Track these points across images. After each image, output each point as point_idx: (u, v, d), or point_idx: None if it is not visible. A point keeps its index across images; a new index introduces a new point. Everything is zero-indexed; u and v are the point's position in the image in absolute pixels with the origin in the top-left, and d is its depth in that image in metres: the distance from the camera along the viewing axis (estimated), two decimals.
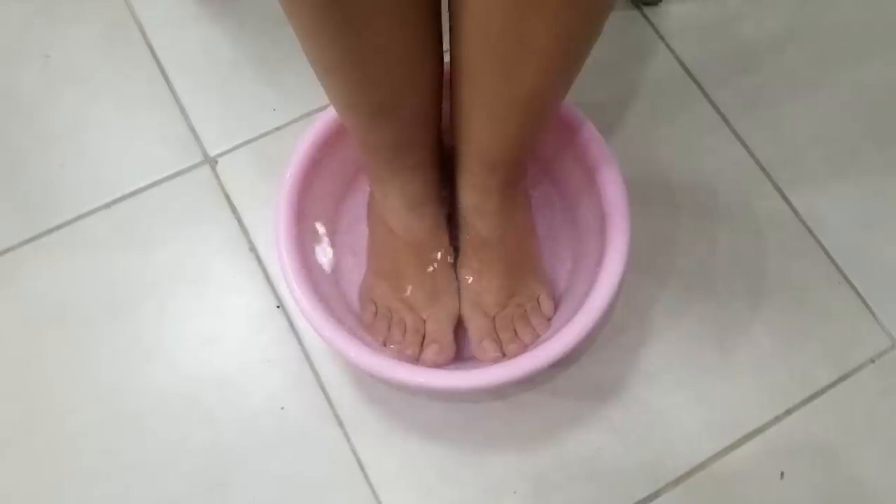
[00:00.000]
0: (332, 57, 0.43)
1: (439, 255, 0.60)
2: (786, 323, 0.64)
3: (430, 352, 0.57)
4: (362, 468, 0.60)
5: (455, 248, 0.61)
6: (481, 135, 0.50)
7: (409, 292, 0.59)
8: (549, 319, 0.59)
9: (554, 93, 0.47)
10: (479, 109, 0.47)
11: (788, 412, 0.62)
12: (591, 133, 0.59)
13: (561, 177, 0.65)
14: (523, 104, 0.45)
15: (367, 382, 0.62)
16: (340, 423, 0.61)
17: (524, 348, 0.57)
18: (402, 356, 0.57)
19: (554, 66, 0.42)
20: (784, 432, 0.61)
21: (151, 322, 0.64)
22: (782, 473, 0.60)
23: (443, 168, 0.58)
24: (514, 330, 0.58)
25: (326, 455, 0.60)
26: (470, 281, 0.60)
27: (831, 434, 0.61)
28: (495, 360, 0.57)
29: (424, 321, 0.59)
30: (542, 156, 0.64)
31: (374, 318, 0.59)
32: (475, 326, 0.59)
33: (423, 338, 0.58)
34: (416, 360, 0.57)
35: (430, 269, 0.60)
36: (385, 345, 0.58)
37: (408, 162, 0.54)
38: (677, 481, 0.60)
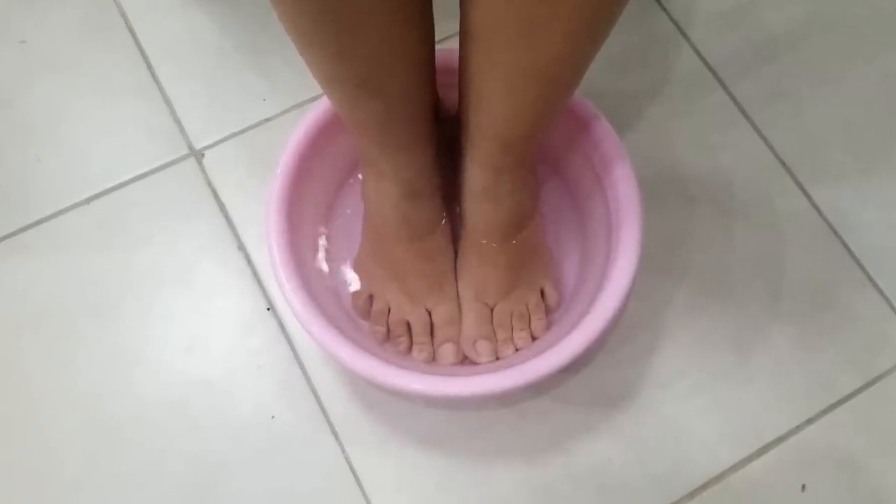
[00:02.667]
0: (309, 27, 0.42)
1: (440, 242, 0.60)
2: (807, 326, 0.64)
3: (446, 353, 0.57)
4: (357, 479, 0.59)
5: (454, 239, 0.61)
6: (495, 108, 0.48)
7: (409, 284, 0.59)
8: (555, 308, 0.60)
9: (579, 61, 0.45)
10: (494, 81, 0.45)
11: (810, 421, 0.62)
12: (603, 127, 0.58)
13: (571, 172, 0.65)
14: (545, 73, 0.44)
15: (363, 388, 0.62)
16: (334, 432, 0.61)
17: (517, 353, 0.58)
18: (414, 358, 0.58)
19: (581, 28, 0.40)
20: (805, 442, 0.61)
21: (134, 325, 0.64)
22: (804, 486, 0.60)
23: (439, 152, 0.58)
24: (511, 328, 0.59)
25: (319, 466, 0.60)
26: (473, 269, 0.60)
27: (855, 444, 0.61)
28: (488, 363, 0.58)
29: (430, 314, 0.59)
30: (551, 150, 0.64)
31: (372, 313, 0.59)
32: (472, 321, 0.59)
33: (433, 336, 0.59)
34: (430, 361, 0.58)
35: (432, 257, 0.59)
36: (387, 344, 0.59)
37: (401, 141, 0.53)
38: (692, 494, 0.59)
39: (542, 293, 0.61)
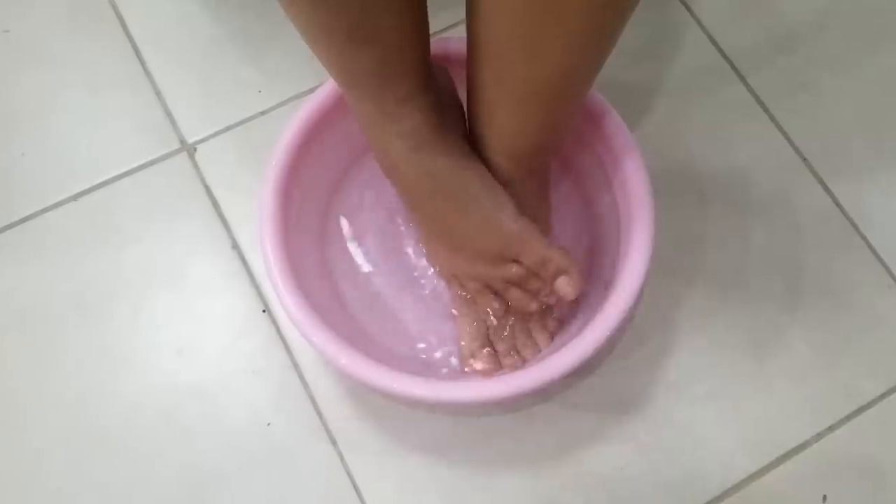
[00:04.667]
0: None
1: (477, 183, 0.54)
2: (828, 329, 0.64)
3: (563, 283, 0.53)
4: (357, 490, 0.59)
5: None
6: (503, 122, 0.49)
7: (471, 249, 0.55)
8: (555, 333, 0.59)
9: (584, 73, 0.46)
10: (501, 93, 0.47)
11: (831, 428, 0.61)
12: (614, 121, 0.58)
13: (580, 167, 0.64)
14: (551, 85, 0.45)
15: (363, 395, 0.61)
16: (333, 441, 0.60)
17: (522, 363, 0.58)
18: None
19: (586, 42, 0.42)
20: (827, 451, 0.60)
21: (123, 327, 0.63)
22: (825, 497, 0.59)
23: (443, 95, 0.55)
24: (514, 337, 0.58)
25: (317, 476, 0.59)
26: None
27: (879, 453, 0.61)
28: (487, 374, 0.58)
29: (516, 263, 0.54)
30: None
31: (467, 305, 0.58)
32: (469, 332, 0.59)
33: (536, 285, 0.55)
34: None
35: (477, 202, 0.54)
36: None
37: (399, 94, 0.51)
38: None
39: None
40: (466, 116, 0.55)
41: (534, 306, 0.56)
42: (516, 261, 0.54)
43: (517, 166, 0.53)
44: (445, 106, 0.55)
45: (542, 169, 0.56)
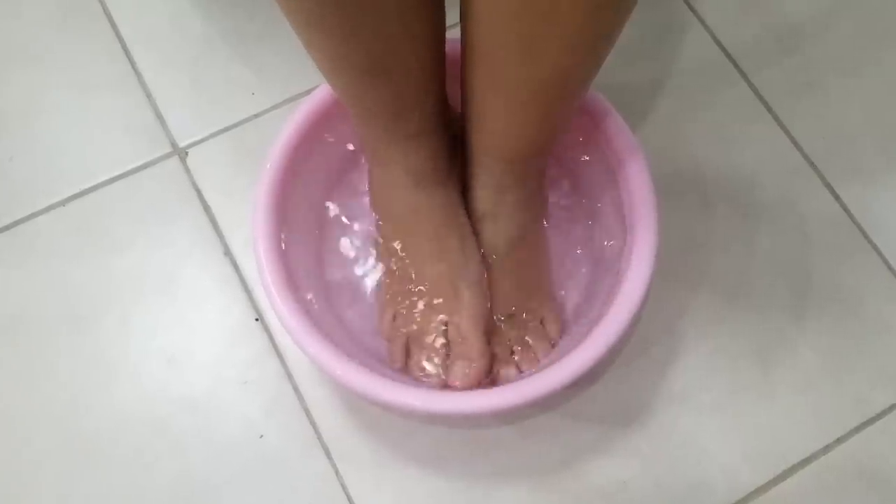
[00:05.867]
0: (313, 6, 0.41)
1: (456, 239, 0.57)
2: (835, 337, 0.63)
3: (457, 370, 0.55)
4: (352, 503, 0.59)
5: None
6: (497, 124, 0.49)
7: (424, 288, 0.57)
8: (553, 345, 0.59)
9: (581, 75, 0.46)
10: (496, 95, 0.47)
11: (840, 440, 0.61)
12: (615, 122, 0.58)
13: (579, 169, 0.64)
14: (546, 88, 0.44)
15: (358, 405, 0.61)
16: (327, 452, 0.60)
17: (519, 375, 0.57)
18: (428, 378, 0.57)
19: (583, 42, 0.41)
20: (835, 463, 0.60)
21: (113, 335, 0.63)
22: None
23: (451, 137, 0.57)
24: (511, 351, 0.58)
25: (311, 489, 0.59)
26: None
27: (890, 465, 0.60)
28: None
29: (445, 325, 0.57)
30: (560, 145, 0.62)
31: (392, 328, 0.58)
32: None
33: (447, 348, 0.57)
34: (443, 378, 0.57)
35: (448, 256, 0.57)
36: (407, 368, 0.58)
37: (409, 129, 0.52)
38: None
39: (542, 324, 0.60)
40: (461, 118, 0.55)
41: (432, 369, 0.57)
42: (447, 322, 0.57)
43: (512, 167, 0.53)
44: (451, 148, 0.56)
45: (538, 169, 0.56)
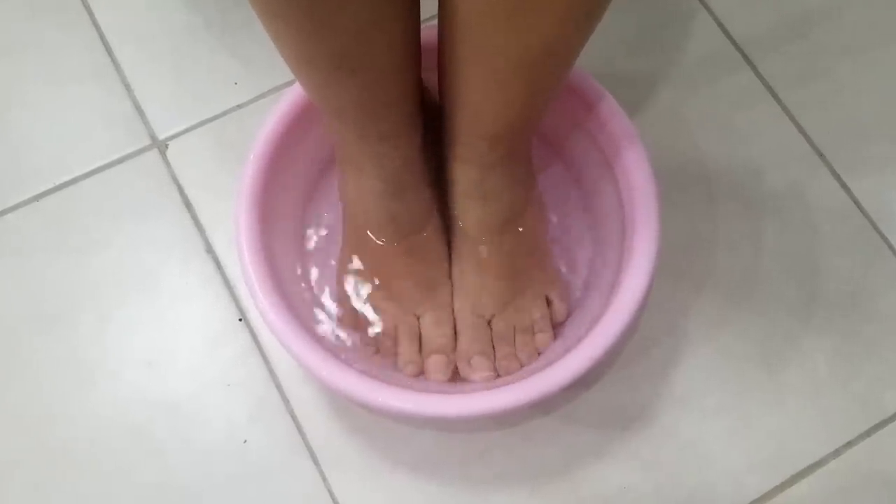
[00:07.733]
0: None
1: (431, 240, 0.59)
2: (846, 337, 0.63)
3: (433, 365, 0.57)
4: None
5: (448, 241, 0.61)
6: (480, 101, 0.48)
7: (396, 287, 0.58)
8: (560, 324, 0.59)
9: (570, 47, 0.45)
10: (478, 70, 0.46)
11: (850, 444, 0.61)
12: (611, 107, 0.58)
13: (576, 160, 0.63)
14: (532, 61, 0.44)
15: (346, 409, 0.61)
16: (314, 458, 0.60)
17: (520, 368, 0.57)
18: (400, 370, 0.57)
19: (570, 14, 0.41)
20: (845, 468, 0.60)
21: (90, 337, 0.63)
22: None
23: (426, 141, 0.57)
24: (514, 342, 0.58)
25: (297, 496, 0.59)
26: (466, 278, 0.59)
27: None
28: (484, 380, 0.57)
29: (419, 320, 0.58)
30: (553, 135, 0.63)
31: (359, 326, 0.59)
32: (468, 337, 0.58)
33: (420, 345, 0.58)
34: (419, 375, 0.57)
35: (422, 258, 0.59)
36: (377, 358, 0.58)
37: (382, 129, 0.52)
38: None
39: (549, 302, 0.60)
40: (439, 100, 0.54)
41: (405, 367, 0.58)
42: (418, 317, 0.59)
43: (496, 148, 0.52)
44: (427, 151, 0.57)
45: (523, 149, 0.56)
